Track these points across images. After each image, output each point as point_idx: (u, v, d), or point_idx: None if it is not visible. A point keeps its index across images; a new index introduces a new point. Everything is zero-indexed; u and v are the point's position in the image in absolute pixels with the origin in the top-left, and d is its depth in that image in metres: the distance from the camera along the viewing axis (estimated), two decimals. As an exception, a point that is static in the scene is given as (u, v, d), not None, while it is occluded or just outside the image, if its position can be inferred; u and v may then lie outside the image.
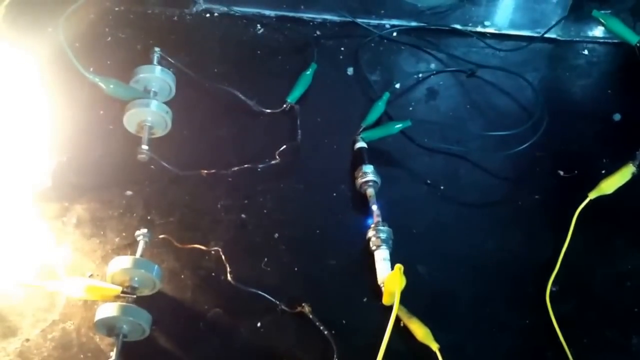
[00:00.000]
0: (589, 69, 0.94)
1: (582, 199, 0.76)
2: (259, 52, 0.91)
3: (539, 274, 0.72)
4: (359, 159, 0.79)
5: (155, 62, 0.80)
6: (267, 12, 0.96)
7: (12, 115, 0.78)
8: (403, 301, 0.64)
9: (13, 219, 0.71)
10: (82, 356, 0.63)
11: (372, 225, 0.72)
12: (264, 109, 0.83)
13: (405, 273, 0.63)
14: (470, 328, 0.69)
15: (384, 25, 0.97)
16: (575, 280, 0.72)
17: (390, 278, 0.65)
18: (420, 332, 0.65)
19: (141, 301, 0.64)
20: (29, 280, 0.67)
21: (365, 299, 0.69)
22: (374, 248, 0.70)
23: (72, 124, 0.79)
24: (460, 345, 0.67)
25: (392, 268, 0.67)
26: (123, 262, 0.63)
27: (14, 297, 0.66)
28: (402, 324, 0.66)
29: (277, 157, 0.78)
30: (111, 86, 0.73)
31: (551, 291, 0.71)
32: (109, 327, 0.61)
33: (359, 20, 0.95)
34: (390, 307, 0.64)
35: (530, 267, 0.74)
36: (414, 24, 0.97)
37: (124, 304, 0.61)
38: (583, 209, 0.75)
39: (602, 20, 0.87)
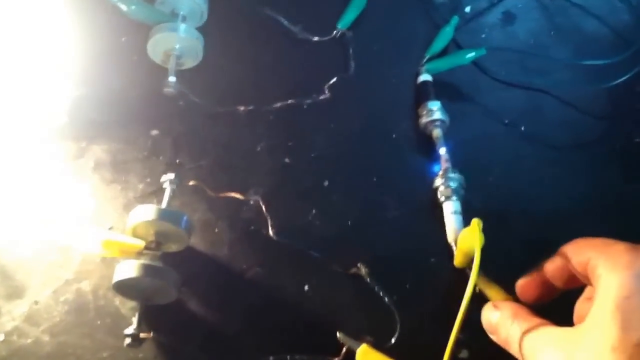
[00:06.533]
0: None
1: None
2: (304, -30, 0.82)
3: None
4: (423, 94, 0.70)
5: (184, -20, 0.72)
6: None
7: (24, 45, 0.72)
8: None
9: (23, 162, 0.65)
10: (99, 322, 0.57)
11: (440, 173, 0.64)
12: (310, 36, 0.75)
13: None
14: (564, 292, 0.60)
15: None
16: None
17: (465, 235, 0.57)
18: (500, 299, 0.56)
19: (168, 258, 0.58)
20: (39, 233, 0.61)
21: (432, 259, 0.63)
22: (442, 199, 0.63)
23: (90, 54, 0.72)
24: (553, 310, 0.58)
25: (465, 222, 0.60)
26: (146, 213, 0.56)
27: (21, 252, 0.60)
28: (477, 290, 0.58)
29: (327, 91, 0.70)
30: (133, 7, 0.65)
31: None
32: (129, 288, 0.55)
33: None
34: (463, 271, 0.59)
35: (630, 218, 0.66)
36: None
37: (148, 262, 0.55)
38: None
39: None
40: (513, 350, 0.46)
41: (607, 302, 0.39)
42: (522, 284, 0.52)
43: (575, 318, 0.49)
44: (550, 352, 0.41)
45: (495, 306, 0.50)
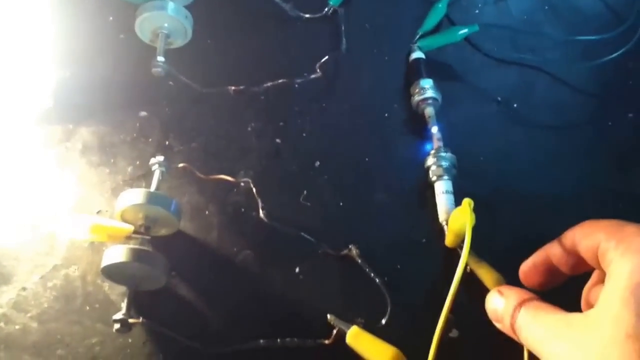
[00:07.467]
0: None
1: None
2: (294, -54, 0.79)
3: (635, 209, 0.63)
4: (415, 72, 0.69)
5: (171, -42, 0.69)
6: None
7: (7, 27, 0.70)
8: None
9: (8, 146, 0.63)
10: (87, 308, 0.56)
11: (432, 152, 0.63)
12: (301, 14, 0.73)
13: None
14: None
15: None
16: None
17: (456, 215, 0.56)
18: (491, 278, 0.56)
19: (158, 242, 0.57)
20: (25, 218, 0.59)
21: (423, 240, 0.61)
22: (434, 179, 0.62)
23: (75, 34, 0.70)
24: (560, 295, 0.57)
25: (456, 202, 0.59)
26: (135, 197, 0.54)
27: (7, 238, 0.59)
28: (468, 269, 0.57)
29: (318, 70, 0.68)
30: (119, -15, 0.63)
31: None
32: (118, 274, 0.53)
33: None
34: (454, 250, 0.57)
35: (625, 200, 0.64)
36: None
37: (136, 246, 0.53)
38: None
39: None
40: (519, 338, 0.44)
41: (619, 288, 0.36)
42: (526, 270, 0.50)
43: (583, 304, 0.47)
44: (559, 340, 0.39)
45: (500, 292, 0.46)
